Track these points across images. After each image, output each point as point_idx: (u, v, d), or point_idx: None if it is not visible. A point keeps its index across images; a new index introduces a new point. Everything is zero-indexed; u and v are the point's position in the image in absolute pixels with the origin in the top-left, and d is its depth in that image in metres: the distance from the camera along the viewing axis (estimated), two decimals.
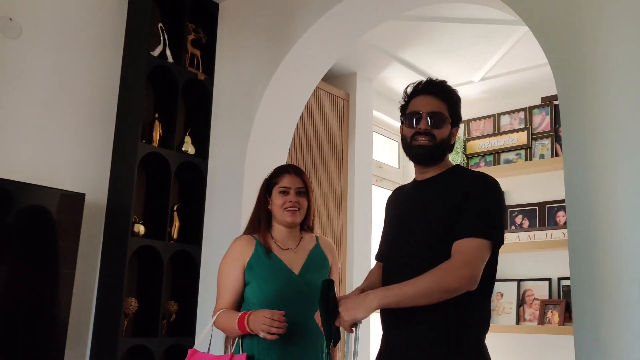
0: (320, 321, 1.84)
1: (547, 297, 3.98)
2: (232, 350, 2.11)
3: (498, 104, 4.55)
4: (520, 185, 4.32)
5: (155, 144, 3.07)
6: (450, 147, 1.92)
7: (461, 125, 4.62)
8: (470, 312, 1.75)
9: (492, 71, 4.22)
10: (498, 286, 4.16)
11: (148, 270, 3.02)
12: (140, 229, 2.94)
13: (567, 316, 3.78)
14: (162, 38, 3.19)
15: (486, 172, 1.89)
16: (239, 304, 2.22)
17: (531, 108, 4.34)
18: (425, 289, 1.66)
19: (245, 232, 2.32)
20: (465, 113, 4.53)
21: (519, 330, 3.99)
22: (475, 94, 4.54)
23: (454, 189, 1.79)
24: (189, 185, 3.25)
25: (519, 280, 4.11)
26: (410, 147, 1.88)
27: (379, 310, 1.80)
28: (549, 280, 4.01)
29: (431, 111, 1.86)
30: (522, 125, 4.35)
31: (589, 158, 2.16)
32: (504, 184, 4.29)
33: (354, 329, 1.77)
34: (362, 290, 1.88)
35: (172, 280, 3.14)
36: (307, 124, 3.91)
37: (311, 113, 3.94)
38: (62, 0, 2.98)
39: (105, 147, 3.06)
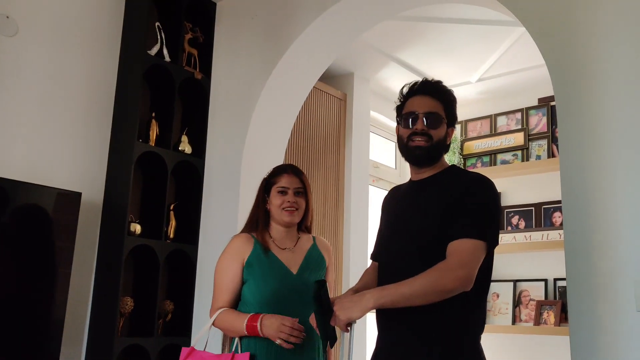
0: (315, 323, 1.85)
1: (543, 298, 3.99)
2: (233, 350, 2.11)
3: (495, 105, 4.56)
4: (516, 186, 4.33)
5: (152, 143, 3.07)
6: (446, 148, 1.92)
7: (458, 126, 4.65)
8: (467, 312, 1.75)
9: (489, 72, 4.22)
10: (494, 287, 4.16)
11: (144, 270, 3.02)
12: (136, 228, 2.94)
13: (562, 317, 3.79)
14: (159, 37, 3.18)
15: (483, 173, 1.89)
16: (237, 303, 2.22)
17: (528, 109, 4.35)
18: (421, 289, 1.66)
19: (243, 231, 2.32)
20: (462, 114, 4.59)
21: (515, 330, 3.99)
22: (472, 94, 4.54)
23: (450, 190, 1.80)
24: (185, 184, 3.25)
25: (515, 281, 4.12)
26: (406, 148, 1.89)
27: (374, 310, 1.81)
28: (545, 280, 4.02)
29: (427, 111, 1.86)
30: (519, 126, 4.36)
31: (585, 159, 2.16)
32: (501, 184, 4.34)
33: (349, 328, 1.77)
34: (356, 290, 1.88)
35: (168, 280, 3.14)
36: (304, 123, 3.91)
37: (308, 113, 3.94)
38: None
39: (102, 146, 3.06)
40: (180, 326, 3.08)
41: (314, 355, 2.15)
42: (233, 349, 2.11)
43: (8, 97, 2.74)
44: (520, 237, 4.07)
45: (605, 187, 2.10)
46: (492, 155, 4.41)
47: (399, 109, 1.95)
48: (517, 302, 4.08)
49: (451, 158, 4.42)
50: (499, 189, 4.32)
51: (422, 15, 3.51)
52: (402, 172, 4.76)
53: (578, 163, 2.17)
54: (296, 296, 2.16)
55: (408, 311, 1.70)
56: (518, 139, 4.30)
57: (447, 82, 2.04)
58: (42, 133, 2.84)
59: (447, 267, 1.67)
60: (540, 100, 4.33)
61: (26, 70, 2.82)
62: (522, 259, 4.15)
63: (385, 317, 1.83)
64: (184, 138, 3.23)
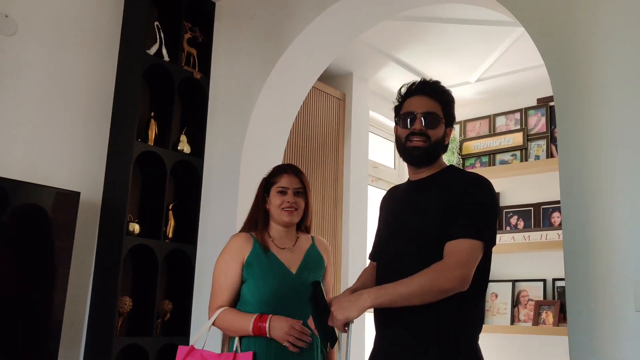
0: (314, 325, 1.85)
1: (541, 298, 3.99)
2: (234, 350, 2.11)
3: (494, 105, 4.56)
4: (515, 186, 4.33)
5: (151, 142, 3.07)
6: (444, 148, 1.92)
7: (457, 126, 4.65)
8: (464, 312, 1.75)
9: (488, 72, 4.22)
10: (493, 287, 4.16)
11: (143, 269, 3.01)
12: (135, 227, 2.94)
13: (561, 317, 3.79)
14: (158, 36, 3.18)
15: (482, 173, 1.90)
16: (236, 302, 2.22)
17: (527, 109, 4.35)
18: (419, 288, 1.66)
19: (242, 230, 2.32)
20: (461, 114, 4.59)
21: (514, 330, 3.99)
22: (471, 94, 4.55)
23: (448, 190, 1.80)
24: (184, 184, 3.25)
25: (514, 281, 4.12)
26: (404, 148, 1.89)
27: (372, 310, 1.81)
28: (544, 281, 4.02)
29: (425, 111, 1.86)
30: (518, 126, 4.36)
31: (584, 159, 2.16)
32: (500, 184, 4.34)
33: (346, 328, 1.77)
34: (353, 290, 1.88)
35: (167, 280, 3.14)
36: (303, 123, 3.91)
37: (307, 113, 3.94)
38: None
39: (101, 146, 3.05)
40: (179, 326, 3.08)
41: (313, 356, 2.15)
42: (234, 349, 2.11)
43: (7, 96, 2.73)
44: (519, 237, 4.07)
45: (604, 188, 2.10)
46: (491, 156, 4.41)
47: (397, 109, 1.95)
48: (515, 302, 4.08)
49: (450, 158, 4.42)
50: (497, 189, 4.33)
51: (421, 15, 3.51)
52: (401, 172, 4.76)
53: (577, 163, 2.18)
54: (295, 296, 2.15)
55: (405, 311, 1.70)
56: (517, 139, 4.30)
57: (446, 82, 2.04)
58: (40, 132, 2.84)
59: (445, 267, 1.68)
60: (539, 100, 4.33)
61: (25, 70, 2.81)
62: (521, 259, 4.15)
63: (382, 317, 1.83)
64: (183, 138, 3.22)
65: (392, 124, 1.97)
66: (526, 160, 4.24)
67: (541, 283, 4.02)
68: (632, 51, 2.12)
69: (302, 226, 2.35)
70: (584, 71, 2.21)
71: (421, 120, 1.85)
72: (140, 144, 2.98)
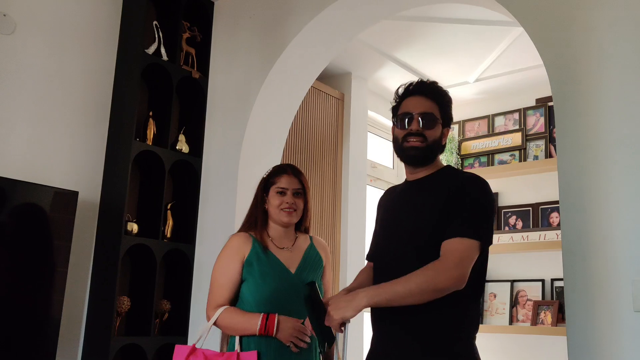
0: (311, 327, 1.85)
1: (540, 298, 3.99)
2: (237, 349, 2.11)
3: (492, 105, 4.56)
4: (514, 186, 4.33)
5: (149, 142, 3.06)
6: (441, 148, 1.93)
7: (456, 126, 4.66)
8: (461, 312, 1.76)
9: (486, 72, 4.22)
10: (491, 287, 4.16)
11: (141, 269, 3.01)
12: (133, 227, 2.93)
13: (559, 317, 3.79)
14: (156, 36, 3.18)
15: (480, 173, 1.90)
16: (235, 302, 2.22)
17: (525, 109, 4.35)
18: (416, 287, 1.66)
19: (241, 230, 2.32)
20: (460, 114, 4.59)
21: (512, 330, 4.00)
22: (469, 94, 4.55)
23: (445, 190, 1.80)
24: (182, 183, 3.24)
25: (512, 281, 4.12)
26: (402, 149, 1.89)
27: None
28: (542, 281, 4.03)
29: (422, 112, 1.87)
30: (517, 127, 4.36)
31: (583, 159, 2.16)
32: (498, 184, 4.34)
33: (343, 328, 1.77)
34: (349, 290, 1.88)
35: (165, 279, 3.14)
36: (302, 123, 3.90)
37: (306, 112, 3.93)
38: None
39: (99, 145, 3.05)
40: (177, 326, 3.07)
41: (311, 356, 2.16)
42: (237, 348, 2.11)
43: (5, 95, 2.73)
44: (517, 237, 4.07)
45: (602, 188, 2.10)
46: (489, 156, 4.41)
47: (395, 110, 1.95)
48: (514, 303, 4.08)
49: (449, 158, 4.42)
50: (496, 189, 4.33)
51: (420, 15, 3.51)
52: (400, 172, 4.76)
53: (576, 163, 2.18)
54: (295, 296, 2.15)
55: (402, 311, 1.71)
56: (516, 139, 4.30)
57: (445, 82, 2.05)
58: (39, 131, 2.83)
59: (441, 266, 1.68)
60: (538, 100, 4.33)
61: (23, 69, 2.81)
62: (520, 259, 4.15)
63: (379, 317, 1.84)
64: (182, 137, 3.22)
65: (391, 123, 1.98)
66: (525, 160, 4.24)
67: (540, 283, 4.03)
68: (631, 51, 2.12)
69: (301, 227, 2.35)
70: (583, 71, 2.21)
71: (418, 121, 1.86)
72: (138, 143, 2.98)
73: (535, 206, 4.20)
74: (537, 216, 4.17)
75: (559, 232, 3.73)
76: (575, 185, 2.16)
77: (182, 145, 3.21)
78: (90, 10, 3.10)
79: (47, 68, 2.90)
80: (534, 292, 4.03)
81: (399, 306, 1.69)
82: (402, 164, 1.97)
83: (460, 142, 4.55)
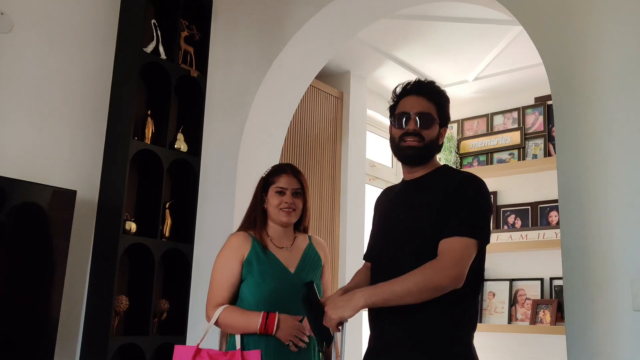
0: (309, 327, 1.85)
1: (539, 297, 3.99)
2: (239, 347, 2.10)
3: (491, 104, 4.56)
4: (512, 185, 4.33)
5: (148, 141, 3.05)
6: (438, 148, 1.93)
7: (455, 125, 4.65)
8: (459, 311, 1.76)
9: (485, 71, 4.22)
10: (490, 286, 4.16)
11: (139, 268, 3.00)
12: (131, 226, 2.92)
13: (558, 316, 3.79)
14: (155, 34, 3.17)
15: (479, 172, 1.90)
16: (234, 301, 2.21)
17: (524, 108, 4.35)
18: (413, 286, 1.66)
19: (240, 229, 2.32)
20: (459, 112, 4.59)
21: (511, 329, 4.00)
22: (468, 93, 4.54)
23: (442, 189, 1.80)
24: (181, 182, 3.23)
25: (511, 280, 4.12)
26: (398, 148, 1.90)
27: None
28: (541, 280, 4.02)
29: (420, 112, 1.87)
30: (515, 125, 4.36)
31: (582, 158, 2.16)
32: (497, 183, 4.34)
33: (340, 327, 1.77)
34: (346, 290, 1.88)
35: (163, 279, 3.13)
36: (301, 122, 3.90)
37: (305, 111, 3.93)
38: None
39: (97, 144, 3.04)
40: (176, 325, 3.07)
41: (310, 355, 2.16)
42: (239, 347, 2.11)
43: (2, 94, 2.72)
44: (516, 236, 4.07)
45: (601, 186, 2.10)
46: (488, 154, 4.41)
47: (392, 109, 1.96)
48: (513, 301, 4.08)
49: (448, 157, 4.42)
50: (495, 188, 4.33)
51: (419, 13, 3.51)
52: (399, 171, 4.76)
53: (575, 162, 2.17)
54: (294, 295, 2.15)
55: (400, 311, 1.70)
56: (514, 138, 4.30)
57: (444, 81, 2.05)
58: (36, 130, 2.82)
59: (439, 265, 1.68)
60: (536, 99, 4.33)
61: (21, 68, 2.80)
62: (518, 258, 4.15)
63: (377, 317, 1.84)
64: (180, 136, 3.21)
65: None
66: (524, 159, 4.24)
67: (538, 282, 4.03)
68: (630, 50, 2.11)
69: (300, 226, 2.35)
70: (582, 70, 2.21)
71: (415, 121, 1.86)
72: (136, 142, 2.97)
73: (534, 205, 4.20)
74: (536, 215, 4.17)
75: (557, 230, 3.73)
76: (575, 184, 2.16)
77: (181, 144, 3.20)
78: (88, 9, 3.09)
79: (45, 67, 2.89)
80: (532, 291, 4.03)
81: (397, 306, 1.69)
82: (401, 163, 1.97)
83: (459, 141, 4.55)
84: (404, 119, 1.87)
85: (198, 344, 2.12)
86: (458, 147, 4.53)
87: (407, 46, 3.95)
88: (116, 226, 2.85)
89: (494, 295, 4.15)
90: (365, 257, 2.03)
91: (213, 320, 2.15)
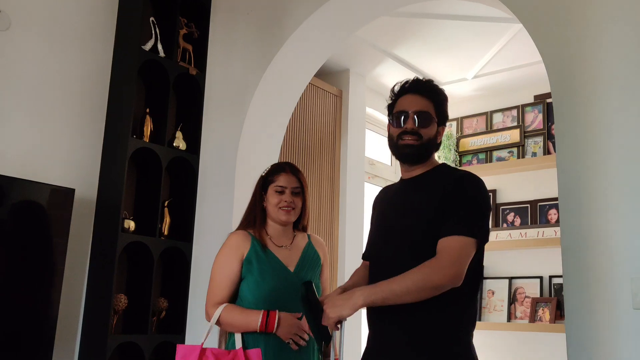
0: (308, 326, 1.85)
1: (538, 295, 3.99)
2: (241, 346, 2.10)
3: (491, 102, 4.55)
4: (512, 183, 4.33)
5: (146, 139, 3.05)
6: (436, 146, 1.93)
7: (454, 123, 4.64)
8: (458, 310, 1.76)
9: (485, 69, 4.22)
10: (489, 284, 4.16)
11: (138, 267, 3.00)
12: (130, 224, 2.92)
13: (558, 314, 3.79)
14: (153, 32, 3.16)
15: (478, 170, 1.90)
16: (234, 300, 2.21)
17: (524, 106, 4.34)
18: (412, 285, 1.66)
19: (239, 228, 2.31)
20: (458, 110, 4.58)
21: (510, 328, 4.00)
22: (468, 91, 4.54)
23: (440, 188, 1.80)
24: (180, 181, 3.23)
25: (510, 278, 4.12)
26: (397, 147, 1.90)
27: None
28: (540, 278, 4.02)
29: (418, 110, 1.87)
30: (515, 123, 4.35)
31: (581, 156, 2.15)
32: (496, 181, 4.34)
33: (339, 326, 1.77)
34: (344, 289, 1.88)
35: (162, 277, 3.12)
36: (300, 120, 3.89)
37: (304, 109, 3.92)
38: None
39: (96, 142, 3.03)
40: (175, 324, 3.06)
41: (309, 354, 2.16)
42: (239, 345, 2.10)
43: (0, 92, 2.71)
44: (515, 234, 4.07)
45: (601, 184, 2.09)
46: (487, 152, 4.41)
47: (390, 108, 1.95)
48: (512, 300, 4.08)
49: (447, 155, 4.41)
50: (494, 186, 4.32)
51: (419, 11, 3.50)
52: (398, 169, 4.72)
53: (574, 160, 2.17)
54: (294, 294, 2.14)
55: (400, 310, 1.70)
56: (514, 136, 4.30)
57: (443, 79, 2.04)
58: (35, 128, 2.82)
59: (437, 264, 1.68)
60: (536, 97, 4.33)
61: (19, 66, 2.79)
62: (518, 256, 4.15)
63: (375, 316, 1.83)
64: (179, 134, 3.21)
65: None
66: (523, 157, 4.24)
67: (538, 280, 4.02)
68: (630, 48, 2.11)
69: (300, 225, 2.35)
70: (582, 67, 2.21)
71: (413, 119, 1.86)
72: (135, 140, 2.97)
73: (533, 203, 4.20)
74: (535, 213, 4.17)
75: (557, 229, 3.73)
76: (574, 181, 2.16)
77: (179, 142, 3.19)
78: (86, 7, 3.08)
79: (43, 64, 2.88)
80: (532, 289, 4.03)
81: (396, 305, 1.69)
82: (399, 162, 1.97)
83: (458, 139, 4.55)
84: (402, 118, 1.87)
85: (202, 344, 2.11)
86: (457, 145, 4.53)
87: (406, 44, 3.94)
88: (115, 224, 2.85)
89: (493, 293, 4.15)
90: (364, 256, 2.03)
91: (214, 319, 2.15)
